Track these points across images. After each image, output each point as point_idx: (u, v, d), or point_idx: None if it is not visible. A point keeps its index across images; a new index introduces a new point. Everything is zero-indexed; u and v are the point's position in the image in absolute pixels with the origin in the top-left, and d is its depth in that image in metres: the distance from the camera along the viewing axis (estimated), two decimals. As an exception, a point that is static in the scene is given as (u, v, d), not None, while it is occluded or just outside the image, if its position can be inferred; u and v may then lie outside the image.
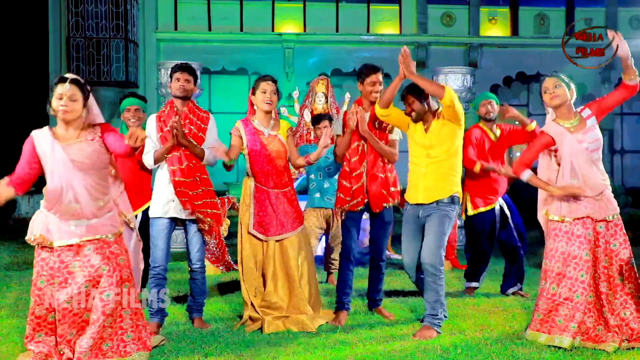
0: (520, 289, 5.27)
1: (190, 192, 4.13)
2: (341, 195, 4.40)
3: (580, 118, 3.85)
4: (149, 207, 4.65)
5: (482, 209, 5.15)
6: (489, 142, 5.10)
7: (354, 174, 4.34)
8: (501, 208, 5.24)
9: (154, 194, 4.26)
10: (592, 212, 3.78)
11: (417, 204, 4.16)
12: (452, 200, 4.11)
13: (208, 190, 4.24)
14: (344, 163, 4.42)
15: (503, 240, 5.27)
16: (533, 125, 4.86)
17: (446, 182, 4.10)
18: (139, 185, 4.50)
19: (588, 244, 3.76)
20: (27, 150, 3.35)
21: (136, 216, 4.56)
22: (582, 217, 3.78)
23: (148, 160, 4.17)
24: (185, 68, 4.25)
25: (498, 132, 5.17)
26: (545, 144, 3.89)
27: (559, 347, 3.67)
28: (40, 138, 3.33)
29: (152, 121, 4.23)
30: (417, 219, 4.17)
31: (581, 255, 3.75)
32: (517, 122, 5.05)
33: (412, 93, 4.12)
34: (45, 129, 3.36)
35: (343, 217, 4.43)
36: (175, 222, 4.24)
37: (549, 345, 3.71)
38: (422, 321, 4.20)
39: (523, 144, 5.25)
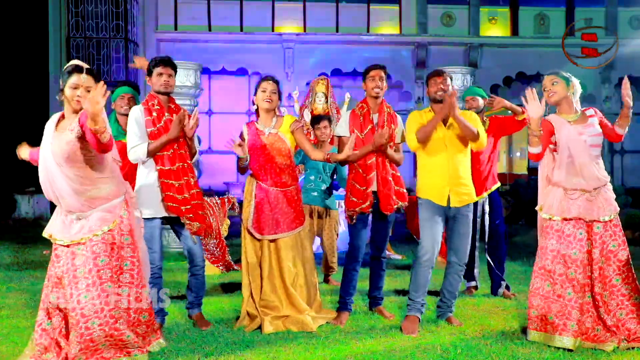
0: (507, 288, 5.26)
1: (178, 197, 3.98)
2: (354, 198, 4.36)
3: (582, 115, 3.88)
4: None
5: None
6: None
7: (368, 177, 4.33)
8: (484, 202, 5.24)
9: (141, 193, 3.96)
10: (584, 213, 3.79)
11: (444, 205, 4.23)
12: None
13: (197, 192, 4.09)
14: (357, 166, 4.36)
15: (491, 229, 5.26)
16: (525, 115, 4.86)
17: (471, 185, 4.30)
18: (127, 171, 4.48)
19: (577, 243, 3.78)
20: None
21: None
22: (572, 218, 3.80)
23: (138, 153, 3.92)
24: (168, 62, 4.07)
25: (487, 123, 5.19)
26: (548, 132, 3.88)
27: (560, 347, 3.67)
28: (49, 121, 3.27)
29: (140, 113, 3.99)
30: (440, 210, 4.24)
31: (570, 254, 3.76)
32: (509, 112, 5.07)
33: (443, 74, 4.26)
34: (58, 114, 3.28)
35: (354, 221, 4.41)
36: (162, 220, 4.09)
37: (548, 345, 3.72)
38: (439, 316, 4.41)
39: (513, 132, 5.31)
